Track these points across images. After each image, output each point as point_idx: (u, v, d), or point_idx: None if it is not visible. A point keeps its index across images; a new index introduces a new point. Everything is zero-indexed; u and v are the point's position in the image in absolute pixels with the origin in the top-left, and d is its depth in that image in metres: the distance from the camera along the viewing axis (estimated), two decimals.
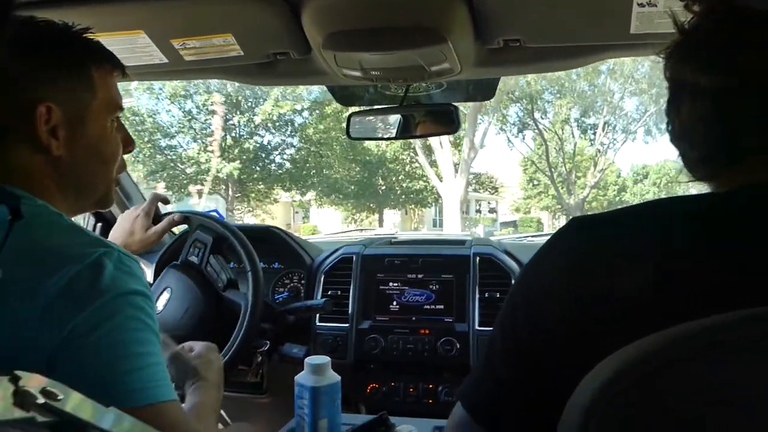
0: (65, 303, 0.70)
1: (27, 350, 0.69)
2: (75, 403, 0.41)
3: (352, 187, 20.87)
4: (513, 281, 1.79)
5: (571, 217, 0.64)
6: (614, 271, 0.54)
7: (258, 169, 19.31)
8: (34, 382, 0.39)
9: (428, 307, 1.84)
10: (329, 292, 1.91)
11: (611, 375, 0.38)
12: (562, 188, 26.62)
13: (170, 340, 1.21)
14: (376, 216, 23.26)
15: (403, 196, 22.42)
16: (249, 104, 18.16)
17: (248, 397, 1.91)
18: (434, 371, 1.81)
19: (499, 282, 1.80)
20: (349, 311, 1.87)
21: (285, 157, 20.04)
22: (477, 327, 1.76)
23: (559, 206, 28.99)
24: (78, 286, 0.71)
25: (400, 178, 22.07)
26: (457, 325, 1.79)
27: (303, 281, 2.01)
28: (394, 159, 21.43)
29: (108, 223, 1.99)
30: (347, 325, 1.86)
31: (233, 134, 18.38)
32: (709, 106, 0.60)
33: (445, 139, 15.85)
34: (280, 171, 19.92)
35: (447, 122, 1.63)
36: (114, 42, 1.30)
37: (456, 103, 1.64)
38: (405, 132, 1.70)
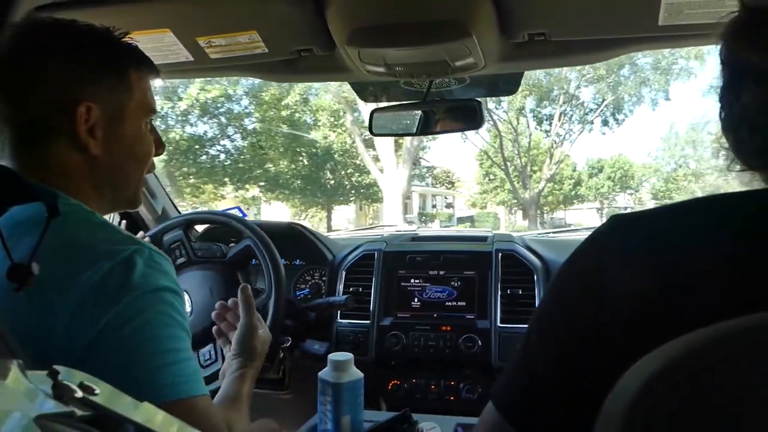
0: (98, 298, 0.71)
1: (61, 345, 0.70)
2: (110, 397, 0.41)
3: (298, 182, 19.18)
4: (535, 277, 1.78)
5: (611, 215, 0.62)
6: (650, 271, 0.53)
7: (190, 162, 17.07)
8: (71, 376, 0.40)
9: (450, 303, 1.83)
10: (351, 289, 1.91)
11: (660, 369, 0.37)
12: (517, 182, 26.17)
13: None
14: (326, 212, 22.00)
15: (353, 191, 21.02)
16: (175, 89, 15.81)
17: (270, 393, 1.92)
18: (456, 368, 1.80)
19: (521, 278, 1.79)
20: (371, 308, 1.87)
21: (219, 148, 17.97)
22: (499, 324, 1.75)
23: (515, 201, 28.77)
24: (110, 282, 0.72)
25: (349, 171, 20.49)
26: (479, 322, 1.78)
27: (324, 278, 2.01)
28: (343, 151, 19.73)
29: (134, 220, 2.01)
30: (368, 321, 1.86)
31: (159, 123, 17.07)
32: None
33: None
34: (215, 164, 17.74)
35: (470, 118, 1.62)
36: (141, 41, 1.30)
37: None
38: (427, 128, 1.69)
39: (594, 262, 0.58)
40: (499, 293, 1.79)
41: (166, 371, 0.73)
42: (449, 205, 33.10)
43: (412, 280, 1.89)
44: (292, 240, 2.03)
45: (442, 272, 1.87)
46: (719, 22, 1.20)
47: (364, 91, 1.85)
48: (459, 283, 1.85)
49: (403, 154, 16.44)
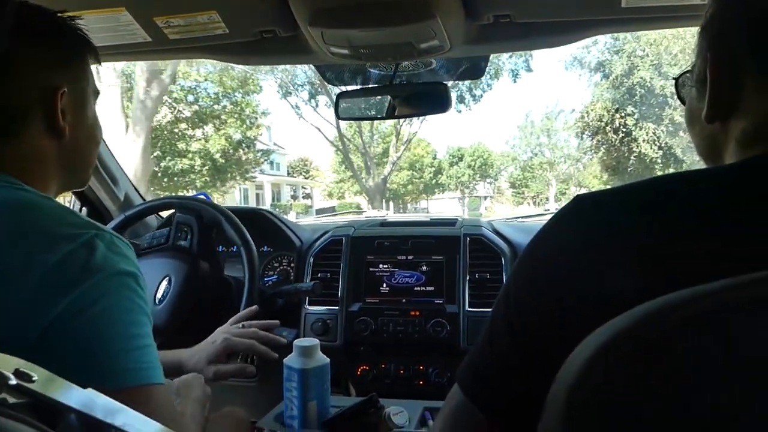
0: (58, 281, 0.70)
1: (18, 329, 0.68)
2: (49, 384, 0.40)
3: None
4: (503, 261, 1.78)
5: (575, 196, 0.59)
6: (612, 253, 0.52)
7: None
8: (6, 363, 0.38)
9: (418, 288, 1.83)
10: (319, 275, 1.90)
11: (607, 340, 0.37)
12: (363, 171, 25.29)
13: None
14: None
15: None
16: None
17: (237, 382, 1.91)
18: (424, 353, 1.81)
19: (488, 263, 1.80)
20: (339, 294, 1.86)
21: None
22: (467, 308, 1.76)
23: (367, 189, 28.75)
24: (71, 265, 0.71)
25: None
26: (448, 307, 1.78)
27: (293, 264, 2.00)
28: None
29: (95, 207, 1.96)
30: (337, 307, 1.85)
31: None
32: None
33: None
34: None
35: (437, 101, 1.61)
36: (96, 20, 1.27)
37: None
38: (395, 111, 1.68)
39: (556, 243, 0.57)
40: (467, 277, 1.79)
41: (128, 356, 0.72)
42: (307, 196, 32.97)
43: (381, 266, 1.88)
44: (259, 226, 2.00)
45: (410, 257, 1.87)
46: (682, 5, 1.21)
47: (330, 74, 1.82)
48: (427, 267, 1.85)
49: (134, 112, 10.92)
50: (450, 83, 1.65)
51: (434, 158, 38.50)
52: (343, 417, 1.16)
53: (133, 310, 0.75)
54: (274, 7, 1.24)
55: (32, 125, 0.82)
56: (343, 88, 1.74)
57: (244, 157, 18.33)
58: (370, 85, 1.78)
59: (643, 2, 1.17)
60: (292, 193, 32.57)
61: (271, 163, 32.56)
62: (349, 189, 31.46)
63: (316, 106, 21.59)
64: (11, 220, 0.73)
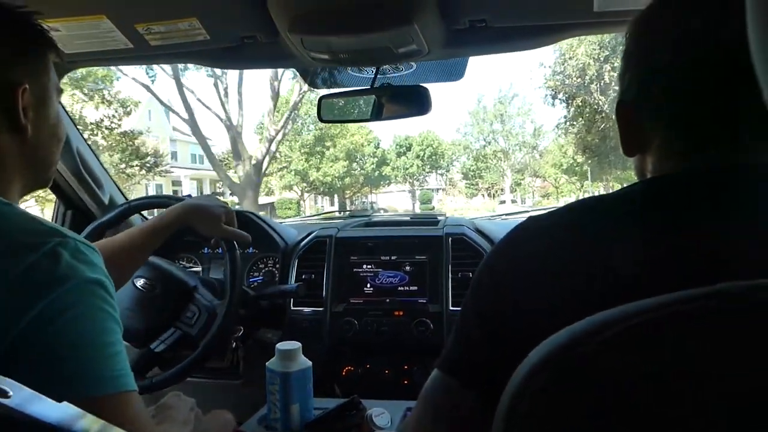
0: (23, 293, 0.69)
1: None
2: (25, 399, 0.41)
3: None
4: None
5: (528, 217, 0.70)
6: (555, 276, 0.59)
7: None
8: None
9: (402, 288, 1.85)
10: (303, 276, 1.91)
11: (540, 359, 0.39)
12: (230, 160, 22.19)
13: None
14: None
15: None
16: None
17: (223, 383, 1.92)
18: (409, 353, 1.82)
19: (471, 262, 1.82)
20: (324, 294, 1.87)
21: None
22: (450, 307, 1.78)
23: (306, 183, 27.86)
24: (36, 276, 0.70)
25: None
26: (431, 306, 1.80)
27: (278, 265, 2.01)
28: None
29: (82, 212, 1.96)
30: (322, 308, 1.86)
31: None
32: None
33: None
34: None
35: (418, 104, 1.62)
36: (76, 27, 1.28)
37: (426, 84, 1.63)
38: (377, 114, 1.69)
39: (505, 262, 0.66)
40: (450, 276, 1.81)
41: (101, 365, 0.71)
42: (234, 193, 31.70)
43: (365, 266, 1.89)
44: (243, 227, 2.01)
45: (394, 257, 1.88)
46: None
47: (312, 77, 1.83)
48: (411, 267, 1.86)
49: None
50: (429, 85, 1.66)
51: (377, 147, 35.85)
52: (326, 419, 1.17)
53: (103, 318, 0.74)
54: (254, 14, 1.25)
55: None
56: (326, 91, 1.75)
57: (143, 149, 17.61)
58: (351, 88, 1.79)
59: (614, 6, 1.19)
60: (220, 189, 29.35)
61: (193, 156, 31.01)
62: (276, 184, 29.98)
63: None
64: None
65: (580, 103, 22.73)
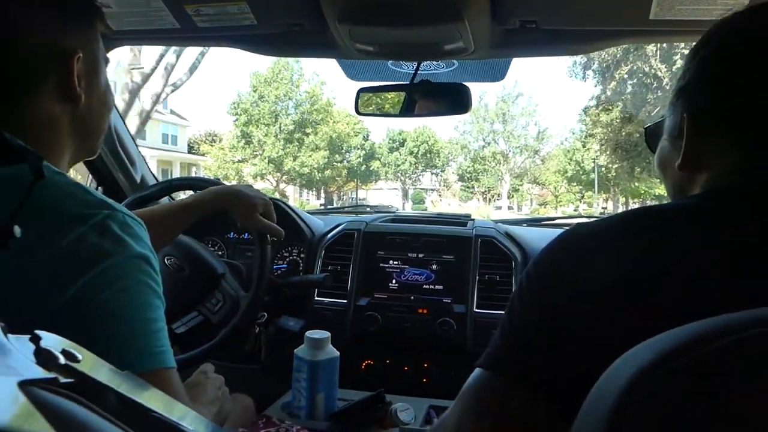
0: (70, 264, 0.69)
1: (32, 309, 0.68)
2: (92, 365, 0.41)
3: None
4: (514, 265, 1.79)
5: (571, 227, 0.69)
6: (604, 276, 0.59)
7: None
8: (53, 342, 0.39)
9: (427, 286, 1.84)
10: (329, 267, 1.91)
11: (652, 360, 0.37)
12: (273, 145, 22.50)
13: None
14: None
15: None
16: None
17: (244, 368, 1.92)
18: (430, 351, 1.82)
19: (499, 265, 1.81)
20: (348, 287, 1.87)
21: None
22: (475, 309, 1.77)
23: (277, 172, 25.87)
24: (84, 248, 0.70)
25: None
26: (456, 306, 1.79)
27: (303, 255, 2.01)
28: None
29: (110, 187, 1.98)
30: (345, 301, 1.86)
31: None
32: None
33: None
34: None
35: (457, 102, 1.61)
36: (126, 3, 1.29)
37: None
38: (414, 110, 1.69)
39: (549, 262, 0.66)
40: (477, 278, 1.80)
41: (143, 340, 0.72)
42: None
43: (391, 262, 1.89)
44: None
45: (421, 255, 1.88)
46: (707, 20, 1.22)
47: (351, 69, 1.83)
48: (437, 266, 1.86)
49: None
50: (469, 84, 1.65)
51: (365, 139, 33.00)
52: (350, 411, 1.17)
53: (147, 292, 0.75)
54: (305, 2, 1.25)
55: (47, 90, 0.81)
56: (364, 84, 1.75)
57: None
58: (390, 82, 1.78)
59: (670, 15, 1.17)
60: (193, 173, 28.26)
61: (165, 135, 28.98)
62: (248, 170, 28.01)
63: None
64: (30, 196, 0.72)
65: (625, 75, 18.84)
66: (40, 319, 0.67)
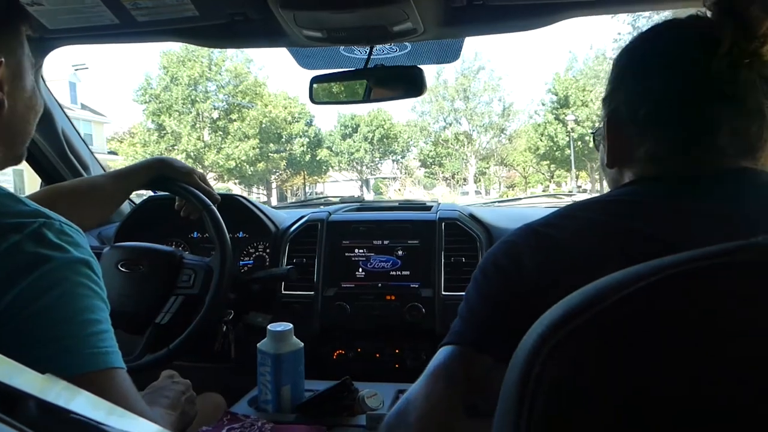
0: (6, 272, 0.68)
1: None
2: (8, 371, 0.39)
3: None
4: (479, 245, 1.79)
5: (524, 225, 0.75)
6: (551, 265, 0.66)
7: None
8: None
9: (394, 273, 1.84)
10: (294, 260, 1.89)
11: (561, 313, 0.38)
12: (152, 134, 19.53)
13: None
14: None
15: None
16: None
17: (214, 366, 1.90)
18: (400, 337, 1.81)
19: (464, 247, 1.80)
20: (315, 278, 1.86)
21: None
22: (443, 292, 1.76)
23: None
24: (19, 256, 0.69)
25: None
26: (423, 291, 1.79)
27: (268, 250, 1.99)
28: None
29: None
30: (313, 292, 1.85)
31: None
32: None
33: None
34: None
35: (412, 84, 1.60)
36: (60, 1, 1.24)
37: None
38: (369, 96, 1.67)
39: (510, 259, 0.70)
40: (443, 261, 1.80)
41: (85, 342, 0.70)
42: None
43: (357, 250, 1.88)
44: (234, 212, 1.99)
45: (386, 242, 1.87)
46: None
47: (304, 58, 1.80)
48: (403, 252, 1.85)
49: None
50: (424, 66, 1.64)
51: (309, 125, 28.92)
52: (317, 400, 1.16)
53: (87, 295, 0.73)
54: None
55: None
56: (317, 72, 1.72)
57: None
58: (344, 69, 1.76)
59: None
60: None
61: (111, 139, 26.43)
62: None
63: None
64: None
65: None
66: None
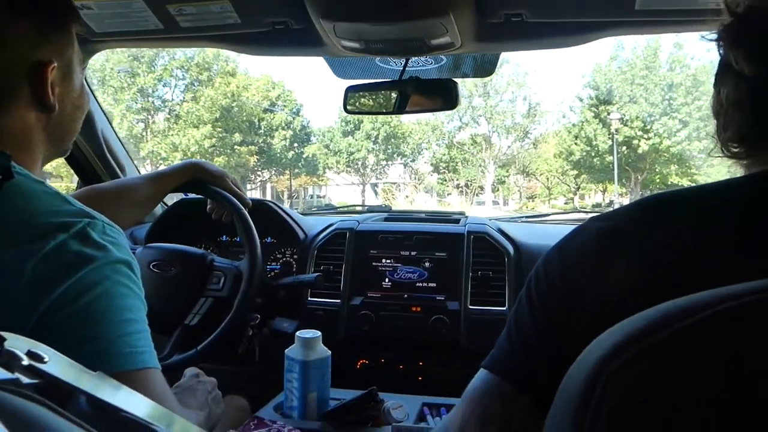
0: (51, 271, 0.70)
1: (15, 318, 0.69)
2: (61, 366, 0.40)
3: None
4: (506, 261, 1.78)
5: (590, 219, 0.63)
6: (643, 261, 0.55)
7: None
8: (19, 343, 0.38)
9: (421, 284, 1.83)
10: (322, 268, 1.90)
11: (623, 339, 0.36)
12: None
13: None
14: None
15: None
16: None
17: (238, 370, 1.91)
18: (424, 349, 1.81)
19: (492, 261, 1.80)
20: (341, 287, 1.86)
21: None
22: (469, 306, 1.76)
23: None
24: (64, 255, 0.71)
25: None
26: (449, 304, 1.78)
27: (296, 256, 2.00)
28: None
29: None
30: (339, 301, 1.85)
31: None
32: (748, 92, 0.60)
33: None
34: None
35: (446, 98, 1.60)
36: (108, 5, 1.28)
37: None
38: (402, 107, 1.68)
39: (560, 266, 0.62)
40: (470, 275, 1.79)
41: (124, 341, 0.72)
42: None
43: (384, 260, 1.88)
44: (263, 217, 2.00)
45: (413, 253, 1.87)
46: (694, 9, 1.21)
47: (339, 67, 1.82)
48: (430, 264, 1.85)
49: None
50: (458, 80, 1.65)
51: (297, 114, 24.00)
52: (343, 410, 1.16)
53: (128, 295, 0.75)
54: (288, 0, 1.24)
55: (21, 101, 0.82)
56: (352, 82, 1.74)
57: None
58: (378, 80, 1.77)
59: (656, 5, 1.16)
60: None
61: None
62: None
63: None
64: (5, 210, 0.73)
65: None
66: (24, 322, 0.68)
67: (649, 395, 0.35)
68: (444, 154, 29.29)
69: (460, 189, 31.24)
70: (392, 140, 26.73)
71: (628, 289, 0.54)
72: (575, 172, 26.34)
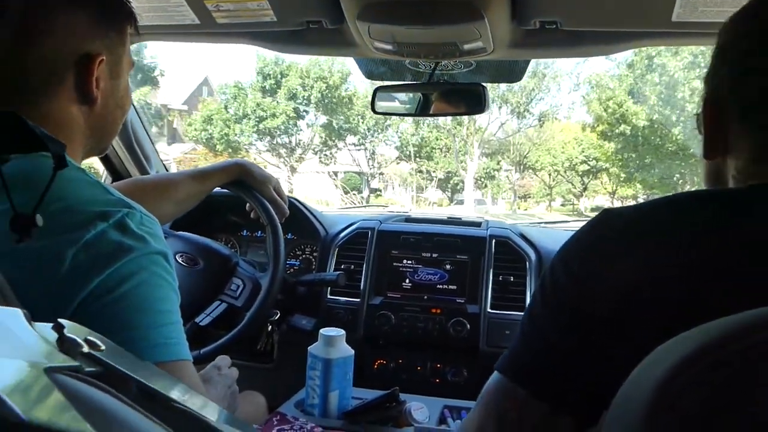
0: (91, 260, 0.71)
1: (53, 306, 0.70)
2: (113, 354, 0.41)
3: None
4: (528, 266, 1.78)
5: (602, 210, 0.64)
6: (634, 266, 0.56)
7: None
8: (77, 331, 0.39)
9: (441, 286, 1.84)
10: (342, 266, 1.91)
11: (692, 351, 0.36)
12: None
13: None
14: None
15: None
16: None
17: (256, 366, 1.92)
18: (443, 351, 1.81)
19: (513, 266, 1.80)
20: (361, 286, 1.87)
21: None
22: (489, 309, 1.76)
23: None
24: (104, 244, 0.72)
25: None
26: (469, 307, 1.78)
27: (316, 253, 2.01)
28: None
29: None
30: (358, 300, 1.86)
31: None
32: None
33: None
34: None
35: (474, 102, 1.61)
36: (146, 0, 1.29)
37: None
38: (430, 110, 1.69)
39: (578, 253, 0.63)
40: (491, 279, 1.79)
41: (158, 331, 0.74)
42: None
43: (405, 261, 1.89)
44: None
45: (434, 255, 1.87)
46: None
47: (368, 67, 1.83)
48: (451, 266, 1.85)
49: None
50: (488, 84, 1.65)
51: (240, 88, 19.59)
52: (364, 409, 1.17)
53: (163, 286, 0.76)
54: None
55: (64, 90, 0.83)
56: (381, 83, 1.75)
57: None
58: (407, 82, 1.78)
59: (694, 17, 1.16)
60: None
61: None
62: None
63: None
64: (50, 197, 0.73)
65: None
66: (62, 310, 0.69)
67: (727, 402, 0.35)
68: (413, 134, 22.16)
69: (439, 182, 24.49)
70: (331, 103, 19.81)
71: (651, 277, 0.55)
72: (626, 154, 18.40)
